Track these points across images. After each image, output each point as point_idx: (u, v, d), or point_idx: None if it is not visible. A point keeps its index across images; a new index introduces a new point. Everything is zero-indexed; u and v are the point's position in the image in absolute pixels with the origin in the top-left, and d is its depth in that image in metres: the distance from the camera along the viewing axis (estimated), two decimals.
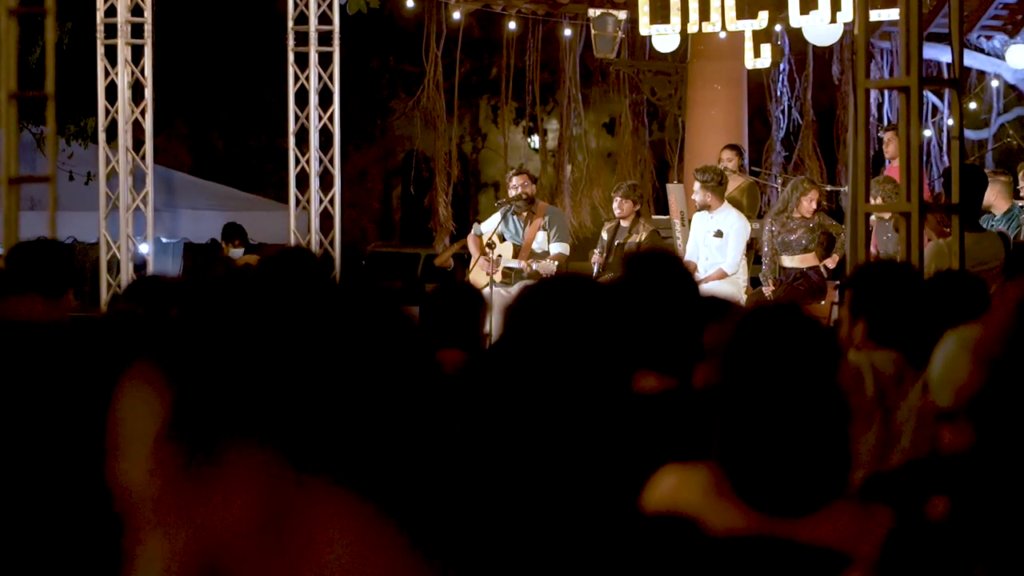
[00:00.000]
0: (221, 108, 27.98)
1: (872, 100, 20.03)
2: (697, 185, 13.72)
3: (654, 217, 15.42)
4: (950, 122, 8.61)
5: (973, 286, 5.48)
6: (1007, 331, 3.30)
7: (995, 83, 21.31)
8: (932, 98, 19.54)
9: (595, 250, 15.09)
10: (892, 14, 15.35)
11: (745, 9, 15.93)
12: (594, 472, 2.30)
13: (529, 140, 28.71)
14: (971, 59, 19.15)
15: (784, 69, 18.49)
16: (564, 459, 2.29)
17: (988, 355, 3.17)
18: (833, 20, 15.50)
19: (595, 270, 14.75)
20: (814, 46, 18.30)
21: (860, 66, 9.01)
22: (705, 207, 13.73)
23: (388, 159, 32.74)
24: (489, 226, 14.88)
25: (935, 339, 3.39)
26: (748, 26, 16.14)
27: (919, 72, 8.67)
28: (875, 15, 15.69)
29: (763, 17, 15.96)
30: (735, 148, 16.05)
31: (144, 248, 16.28)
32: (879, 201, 13.79)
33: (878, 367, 4.90)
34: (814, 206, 14.05)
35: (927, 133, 19.87)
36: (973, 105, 21.22)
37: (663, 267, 4.22)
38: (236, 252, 17.54)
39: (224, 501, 1.25)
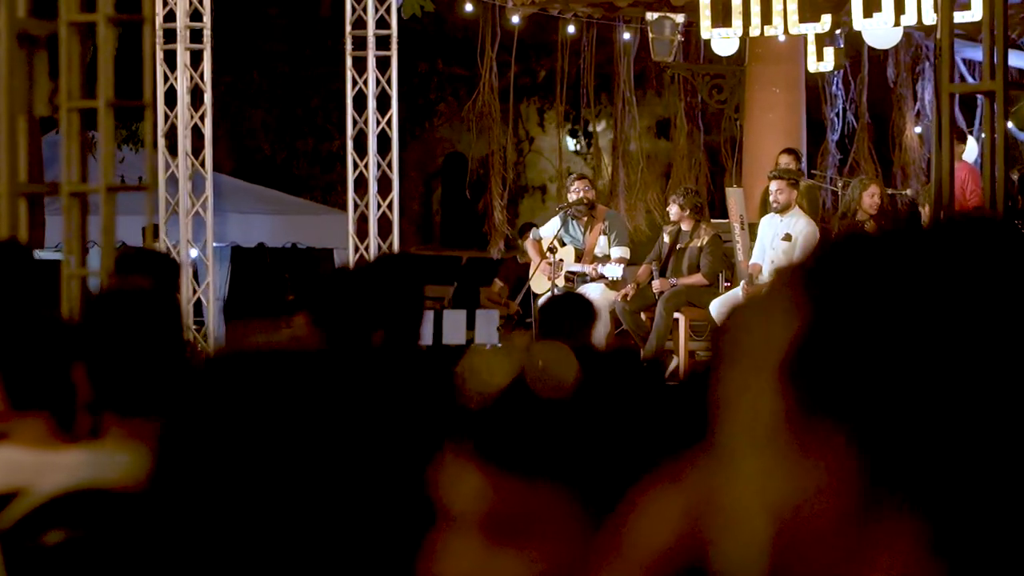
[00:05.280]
0: (265, 111, 27.99)
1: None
2: (777, 185, 13.77)
3: (712, 221, 15.36)
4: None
5: None
6: None
7: None
8: None
9: (648, 257, 15.05)
10: (960, 17, 15.22)
11: (807, 12, 15.77)
12: None
13: (578, 143, 28.66)
14: (1015, 58, 18.93)
15: (839, 72, 18.36)
16: None
17: None
18: (897, 23, 15.35)
19: (653, 275, 14.70)
20: (870, 48, 18.18)
21: (944, 71, 8.93)
22: (785, 208, 13.83)
23: (428, 161, 32.72)
24: (548, 230, 14.83)
25: None
26: (810, 29, 15.99)
27: (1005, 76, 8.62)
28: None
29: (826, 20, 15.80)
30: (793, 152, 16.01)
31: (193, 252, 16.26)
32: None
33: None
34: (877, 201, 14.00)
35: None
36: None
37: None
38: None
39: None
